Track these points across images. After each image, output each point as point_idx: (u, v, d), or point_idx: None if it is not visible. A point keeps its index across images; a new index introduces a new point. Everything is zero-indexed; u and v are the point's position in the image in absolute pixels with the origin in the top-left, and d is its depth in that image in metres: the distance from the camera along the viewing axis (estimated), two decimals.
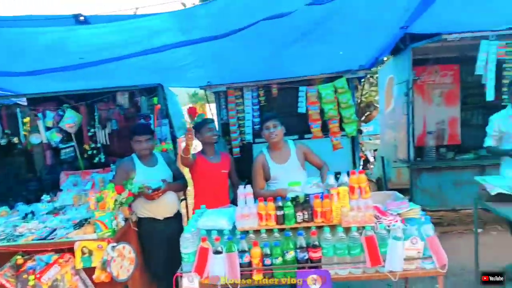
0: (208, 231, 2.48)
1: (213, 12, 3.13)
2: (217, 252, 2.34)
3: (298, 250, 2.36)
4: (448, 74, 5.64)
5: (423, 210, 2.60)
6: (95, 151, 4.96)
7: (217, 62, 4.57)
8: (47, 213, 3.43)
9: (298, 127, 5.30)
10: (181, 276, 2.36)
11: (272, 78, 5.19)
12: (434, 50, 5.10)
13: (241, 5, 3.04)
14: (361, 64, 5.10)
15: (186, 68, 4.59)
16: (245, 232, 2.50)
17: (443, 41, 4.51)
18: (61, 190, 4.21)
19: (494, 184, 3.10)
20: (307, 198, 2.51)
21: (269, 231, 2.48)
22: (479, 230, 4.41)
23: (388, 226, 2.36)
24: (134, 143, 3.27)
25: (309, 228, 2.44)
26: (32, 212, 3.46)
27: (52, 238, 2.82)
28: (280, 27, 3.46)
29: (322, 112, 5.11)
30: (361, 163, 7.41)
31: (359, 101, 5.96)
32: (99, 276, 2.60)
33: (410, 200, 2.96)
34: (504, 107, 3.86)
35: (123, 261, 2.70)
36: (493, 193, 3.03)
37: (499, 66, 4.58)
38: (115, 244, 2.68)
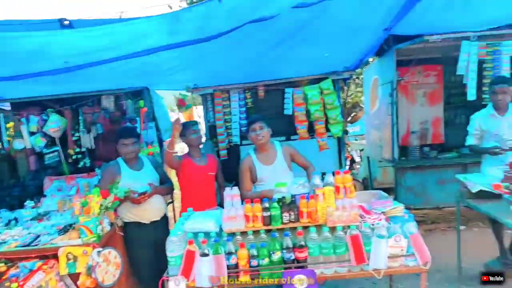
0: (195, 234, 2.48)
1: (199, 15, 3.13)
2: (203, 255, 2.34)
3: (284, 251, 2.37)
4: (431, 75, 5.74)
5: (407, 208, 2.64)
6: (80, 156, 4.91)
7: (204, 65, 4.57)
8: (31, 219, 3.39)
9: (285, 128, 5.34)
10: (167, 280, 2.35)
11: (258, 80, 5.22)
12: (417, 51, 5.19)
13: (227, 8, 3.05)
14: (346, 66, 5.17)
15: (172, 71, 4.57)
16: (232, 234, 2.50)
17: (425, 42, 4.60)
18: (45, 196, 4.16)
19: (475, 181, 3.16)
20: (293, 199, 2.52)
21: (256, 232, 2.49)
22: (462, 227, 4.50)
23: (373, 225, 2.39)
24: (120, 147, 3.25)
25: (295, 228, 2.46)
26: (16, 219, 3.41)
27: (36, 245, 2.78)
28: (266, 29, 3.48)
29: (308, 113, 5.16)
30: (348, 163, 7.48)
31: (344, 102, 6.02)
32: (84, 282, 2.57)
33: (395, 199, 3.01)
34: (485, 106, 3.95)
35: (109, 266, 2.68)
36: (474, 191, 3.10)
37: (480, 66, 4.68)
38: (100, 249, 2.65)
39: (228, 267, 2.34)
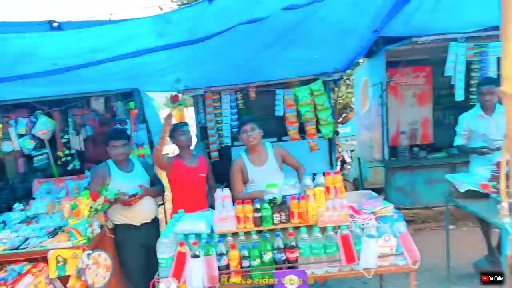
0: (186, 236, 2.48)
1: (190, 17, 3.13)
2: (195, 256, 2.33)
3: (275, 251, 2.38)
4: (420, 76, 5.81)
5: (397, 208, 2.67)
6: (69, 158, 4.87)
7: (195, 66, 4.57)
8: (19, 222, 3.35)
9: (276, 129, 5.36)
10: (158, 282, 2.34)
11: (249, 82, 5.23)
12: (406, 53, 5.24)
13: (217, 9, 3.05)
14: (336, 67, 5.21)
15: (163, 72, 4.56)
16: (223, 235, 2.50)
17: (414, 43, 4.66)
18: (34, 198, 4.12)
19: (463, 181, 3.21)
20: (284, 200, 2.53)
21: (247, 233, 2.49)
22: (451, 227, 4.55)
23: (363, 225, 2.41)
24: (110, 149, 3.24)
25: (286, 229, 2.47)
26: (4, 222, 3.36)
27: (25, 248, 2.75)
28: (256, 31, 3.49)
29: (299, 114, 5.18)
30: (338, 164, 7.52)
31: (335, 103, 6.06)
32: (74, 284, 2.55)
33: (385, 199, 3.04)
34: (473, 106, 4.01)
35: (99, 268, 2.66)
36: (462, 190, 3.14)
37: (468, 67, 4.76)
38: (90, 251, 2.63)
39: (219, 268, 2.35)
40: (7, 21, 4.85)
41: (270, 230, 2.49)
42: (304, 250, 2.37)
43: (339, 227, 2.40)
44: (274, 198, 2.54)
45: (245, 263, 2.36)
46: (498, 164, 3.03)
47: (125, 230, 3.21)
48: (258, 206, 2.51)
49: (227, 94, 5.29)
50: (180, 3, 10.45)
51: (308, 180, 2.61)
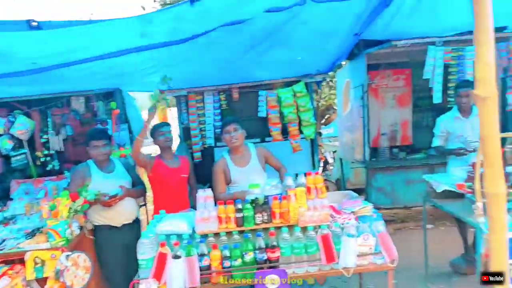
0: (167, 236, 2.47)
1: (172, 17, 3.12)
2: (176, 257, 2.33)
3: (257, 251, 2.39)
4: (400, 78, 5.92)
5: (378, 208, 2.72)
6: (48, 158, 4.79)
7: (178, 66, 4.55)
8: None
9: (259, 130, 5.39)
10: (138, 283, 2.33)
11: (233, 83, 5.23)
12: (386, 56, 5.34)
13: (200, 11, 3.05)
14: (318, 69, 5.26)
15: (145, 72, 4.53)
16: (205, 236, 2.51)
17: (393, 47, 4.76)
18: (11, 199, 4.03)
19: (440, 181, 3.29)
20: (266, 200, 2.55)
21: (229, 233, 2.50)
22: (429, 226, 4.66)
23: (342, 224, 2.45)
24: (90, 149, 3.20)
25: (268, 229, 2.49)
26: None
27: (2, 249, 2.70)
28: (239, 32, 3.50)
29: (281, 115, 5.22)
30: (321, 164, 7.59)
31: (318, 104, 6.13)
32: (52, 286, 2.51)
33: (366, 199, 3.10)
34: (450, 109, 4.11)
35: (78, 270, 2.63)
36: (439, 190, 3.22)
37: (446, 70, 4.88)
38: (69, 253, 2.60)
39: (201, 268, 2.34)
40: None
41: (252, 230, 2.50)
42: (285, 249, 2.39)
43: (319, 226, 2.44)
44: (256, 198, 2.55)
45: (227, 263, 2.37)
46: (473, 165, 3.12)
47: (105, 231, 3.17)
48: (240, 206, 2.53)
49: (210, 95, 5.29)
50: (163, 3, 10.39)
51: (289, 181, 2.64)
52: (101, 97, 4.84)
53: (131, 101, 5.40)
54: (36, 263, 2.56)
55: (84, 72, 3.90)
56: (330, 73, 7.63)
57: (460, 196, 3.08)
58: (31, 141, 4.79)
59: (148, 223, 4.25)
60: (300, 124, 5.22)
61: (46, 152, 4.78)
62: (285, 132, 5.26)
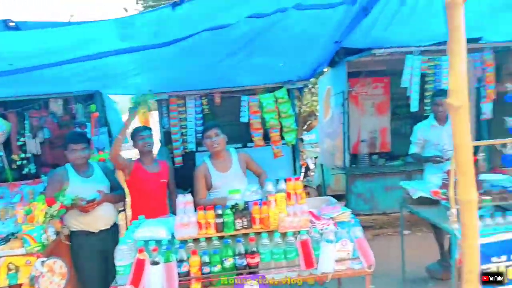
0: (146, 242, 2.44)
1: (154, 21, 3.11)
2: (154, 263, 2.30)
3: (236, 257, 2.39)
4: (379, 86, 6.05)
5: (357, 214, 2.76)
6: (24, 162, 4.68)
7: (159, 70, 4.52)
8: None
9: (241, 135, 5.40)
10: None
11: (215, 87, 5.23)
12: (366, 64, 5.45)
13: (183, 14, 3.05)
14: (300, 75, 5.32)
15: (126, 75, 4.48)
16: (184, 241, 2.49)
17: (373, 55, 4.85)
18: None
19: (416, 188, 3.36)
20: (246, 205, 2.55)
21: (209, 239, 2.49)
22: (406, 232, 4.74)
23: (321, 230, 2.48)
24: (68, 152, 3.14)
25: (247, 234, 2.49)
26: None
27: None
28: (222, 37, 3.52)
29: (263, 121, 5.24)
30: (303, 170, 7.65)
31: (300, 110, 6.20)
32: None
33: (346, 205, 3.14)
34: (427, 117, 4.22)
35: (54, 276, 2.57)
36: (415, 197, 3.30)
37: (423, 79, 5.00)
38: (44, 259, 2.54)
39: (180, 275, 2.32)
40: None
41: (231, 236, 2.50)
42: (265, 255, 2.40)
43: (299, 232, 2.46)
44: (236, 203, 2.55)
45: (206, 269, 2.36)
46: (448, 172, 3.21)
47: (82, 236, 3.11)
48: (220, 212, 2.52)
49: (192, 99, 5.26)
50: (146, 5, 10.33)
51: (270, 186, 2.65)
52: (80, 100, 4.77)
53: (112, 104, 5.33)
54: (10, 269, 2.49)
55: (63, 74, 3.84)
56: (313, 80, 7.72)
57: (436, 202, 3.15)
58: (7, 144, 4.67)
59: (126, 229, 4.21)
60: (281, 130, 5.25)
61: (22, 155, 4.67)
62: (266, 138, 5.29)
